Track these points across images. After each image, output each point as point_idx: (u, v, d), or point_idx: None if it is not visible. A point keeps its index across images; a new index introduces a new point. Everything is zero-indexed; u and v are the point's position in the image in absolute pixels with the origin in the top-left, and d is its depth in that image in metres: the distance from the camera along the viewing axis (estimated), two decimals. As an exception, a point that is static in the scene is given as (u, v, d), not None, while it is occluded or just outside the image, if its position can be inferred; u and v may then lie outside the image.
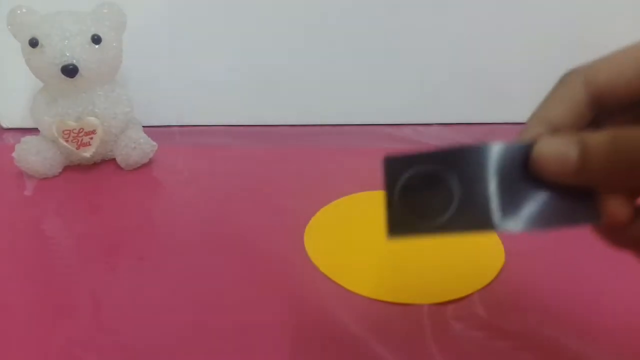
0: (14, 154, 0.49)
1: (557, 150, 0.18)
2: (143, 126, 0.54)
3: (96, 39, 0.46)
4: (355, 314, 0.32)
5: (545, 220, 0.19)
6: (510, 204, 0.19)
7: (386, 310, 0.32)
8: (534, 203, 0.19)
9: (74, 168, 0.51)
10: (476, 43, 0.58)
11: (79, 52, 0.45)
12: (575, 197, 0.19)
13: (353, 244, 0.39)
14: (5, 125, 0.61)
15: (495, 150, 0.19)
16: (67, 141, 0.48)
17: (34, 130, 0.51)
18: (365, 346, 0.30)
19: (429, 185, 0.19)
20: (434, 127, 0.60)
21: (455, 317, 0.32)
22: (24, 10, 0.46)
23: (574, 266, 0.36)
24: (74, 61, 0.45)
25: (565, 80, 0.20)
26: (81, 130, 0.48)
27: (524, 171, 0.19)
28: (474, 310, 0.32)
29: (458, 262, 0.37)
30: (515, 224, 0.18)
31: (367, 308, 0.33)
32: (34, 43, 0.45)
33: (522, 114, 0.59)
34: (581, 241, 0.39)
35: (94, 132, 0.48)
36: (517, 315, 0.32)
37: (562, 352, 0.29)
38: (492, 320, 0.31)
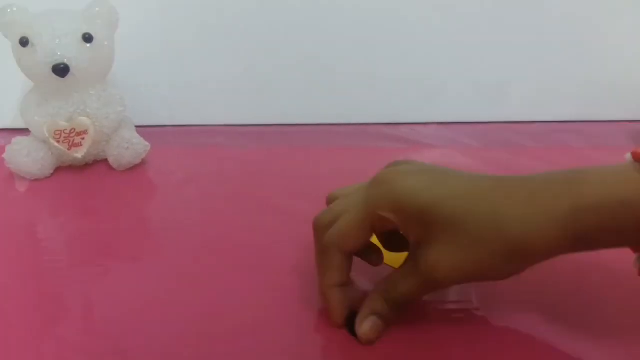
0: (4, 155, 0.48)
1: None
2: (136, 126, 0.54)
3: (88, 38, 0.45)
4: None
5: None
6: None
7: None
8: None
9: (66, 169, 0.50)
10: (475, 41, 0.58)
11: (71, 51, 0.44)
12: None
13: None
14: (-5, 126, 0.60)
15: None
16: (58, 142, 0.47)
17: (24, 131, 0.50)
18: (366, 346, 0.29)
19: None
20: (432, 127, 0.60)
21: (452, 311, 0.32)
22: (14, 8, 0.45)
23: (575, 261, 0.36)
24: (65, 60, 0.44)
25: None
26: (72, 130, 0.47)
27: None
28: (471, 305, 0.32)
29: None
30: None
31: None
32: (24, 42, 0.44)
33: (521, 113, 0.59)
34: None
35: (85, 132, 0.48)
36: (515, 310, 0.31)
37: (563, 349, 0.29)
38: (490, 317, 0.31)
